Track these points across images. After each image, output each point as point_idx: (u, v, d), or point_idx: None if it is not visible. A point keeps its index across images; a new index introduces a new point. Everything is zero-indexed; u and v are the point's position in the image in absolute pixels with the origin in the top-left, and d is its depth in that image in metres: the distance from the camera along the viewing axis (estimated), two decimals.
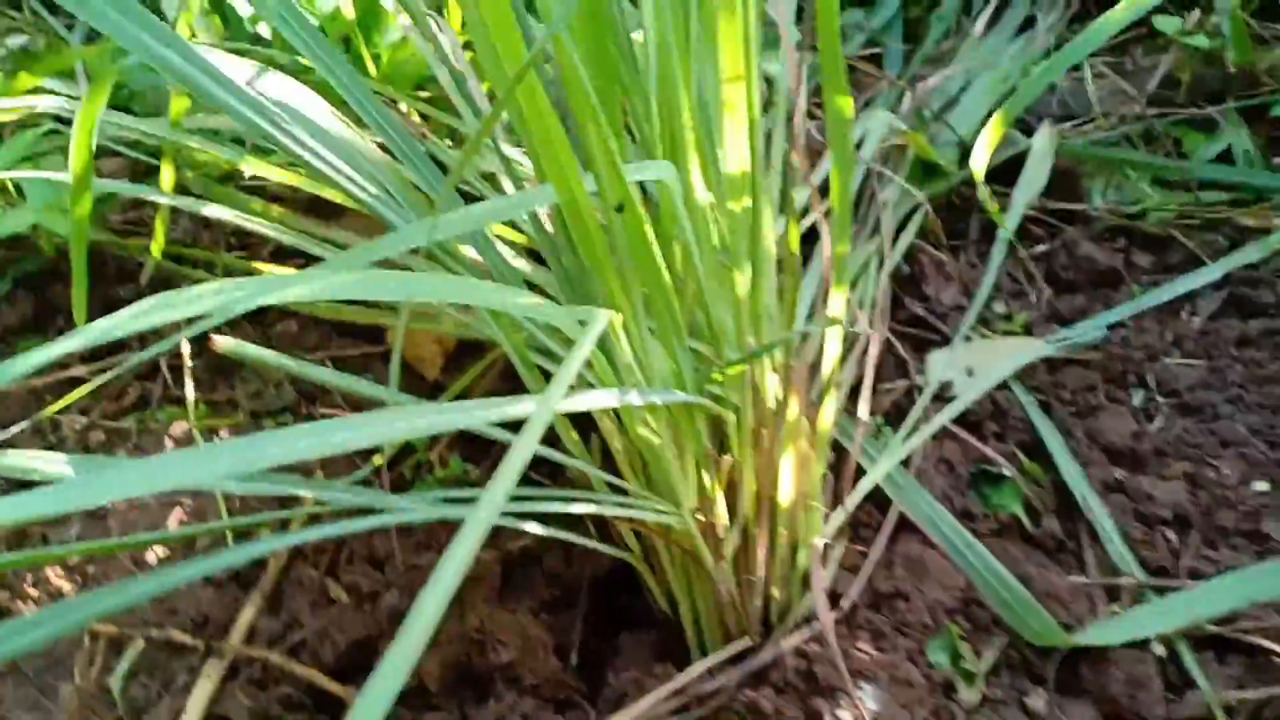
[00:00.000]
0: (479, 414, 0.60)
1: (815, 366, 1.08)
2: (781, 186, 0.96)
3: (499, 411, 0.59)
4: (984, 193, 1.23)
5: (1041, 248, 1.38)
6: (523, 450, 0.49)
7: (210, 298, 0.55)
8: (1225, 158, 1.44)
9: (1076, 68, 1.50)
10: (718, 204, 0.72)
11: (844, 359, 1.13)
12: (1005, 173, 1.41)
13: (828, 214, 0.81)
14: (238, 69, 0.77)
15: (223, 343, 0.65)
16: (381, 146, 0.82)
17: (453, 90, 0.99)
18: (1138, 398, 1.22)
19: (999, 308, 1.33)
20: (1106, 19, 1.27)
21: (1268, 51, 1.41)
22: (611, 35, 0.66)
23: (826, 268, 0.83)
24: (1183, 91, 1.45)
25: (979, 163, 1.29)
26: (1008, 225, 1.26)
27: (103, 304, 1.33)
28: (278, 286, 0.56)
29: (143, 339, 1.27)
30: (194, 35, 1.14)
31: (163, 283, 1.32)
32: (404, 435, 0.58)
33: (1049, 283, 1.35)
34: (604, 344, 0.75)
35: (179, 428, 1.21)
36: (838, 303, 0.84)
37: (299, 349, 1.28)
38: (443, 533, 1.07)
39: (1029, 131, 1.47)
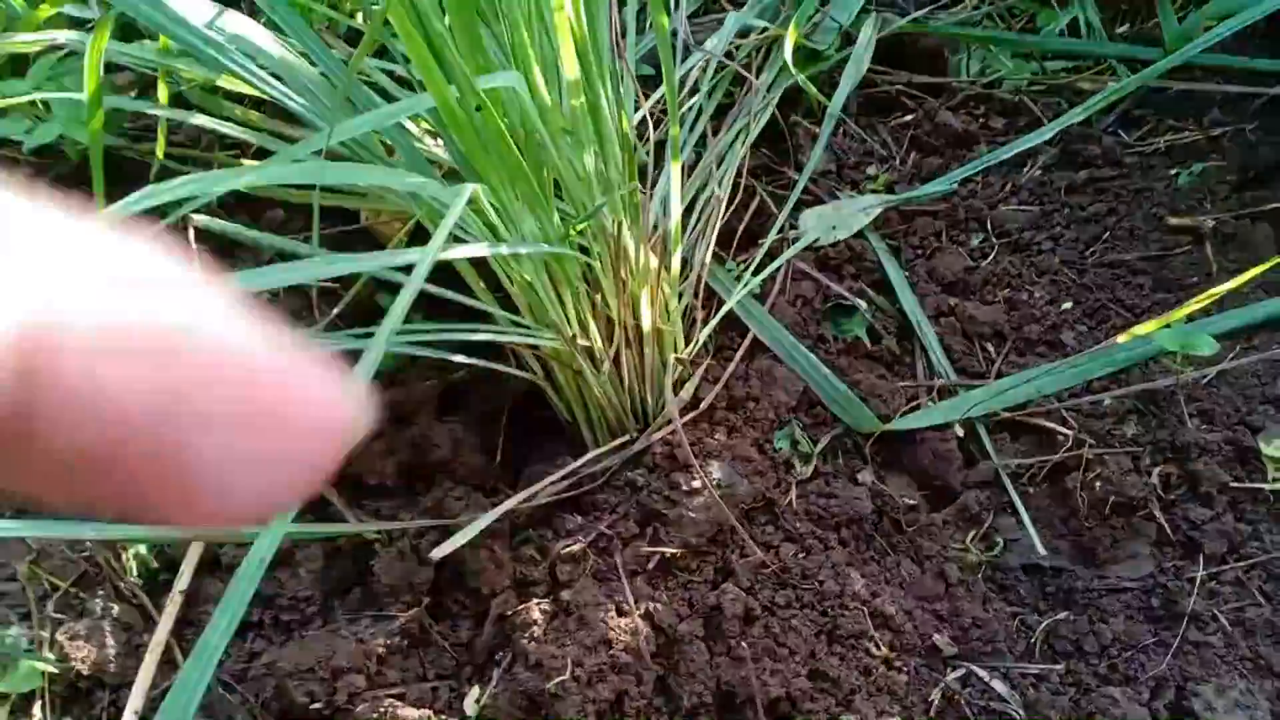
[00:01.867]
0: (381, 260, 0.87)
1: (691, 224, 1.34)
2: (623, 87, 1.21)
3: (392, 259, 0.86)
4: (807, 85, 1.46)
5: (908, 117, 1.62)
6: (412, 289, 0.76)
7: (186, 186, 0.82)
8: (1075, 30, 1.65)
9: None
10: (555, 103, 0.97)
11: (721, 213, 1.38)
12: (883, 52, 1.64)
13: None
14: (201, 9, 1.02)
15: (200, 220, 0.91)
16: (324, 73, 1.07)
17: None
18: (975, 239, 1.47)
19: (870, 170, 1.56)
20: None
21: None
22: None
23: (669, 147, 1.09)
24: None
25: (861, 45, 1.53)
26: (835, 103, 1.49)
27: (120, 197, 1.60)
28: (231, 178, 0.82)
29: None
30: None
31: (168, 176, 1.59)
32: (325, 275, 0.85)
33: (913, 148, 1.59)
34: (490, 206, 1.02)
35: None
36: (676, 171, 1.10)
37: (286, 231, 1.55)
38: (401, 374, 1.34)
39: (905, 13, 1.69)
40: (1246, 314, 1.25)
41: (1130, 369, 1.25)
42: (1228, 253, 1.36)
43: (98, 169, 1.10)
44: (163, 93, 1.25)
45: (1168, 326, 1.10)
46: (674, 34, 1.45)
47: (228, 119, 1.22)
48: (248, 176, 0.81)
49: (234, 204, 1.47)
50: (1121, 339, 1.15)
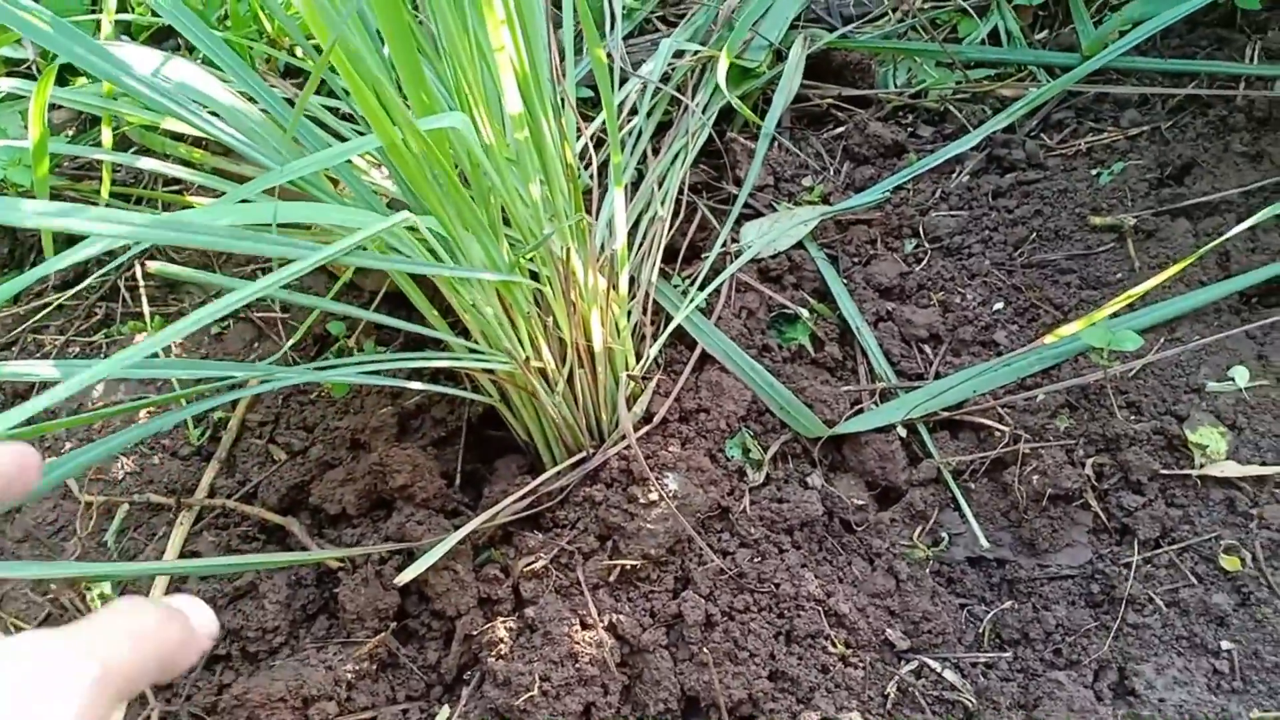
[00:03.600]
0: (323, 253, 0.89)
1: (635, 244, 1.38)
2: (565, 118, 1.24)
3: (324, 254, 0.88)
4: (742, 107, 1.51)
5: (839, 130, 1.67)
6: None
7: (142, 231, 0.83)
8: (994, 39, 1.71)
9: None
10: (500, 136, 1.00)
11: (665, 232, 1.42)
12: (812, 68, 1.69)
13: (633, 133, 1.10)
14: (148, 58, 1.04)
15: (153, 266, 0.92)
16: (263, 110, 1.09)
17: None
18: (909, 245, 1.52)
19: (806, 182, 1.61)
20: None
21: None
22: (406, 26, 0.93)
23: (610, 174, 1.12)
24: None
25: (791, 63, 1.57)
26: (769, 121, 1.54)
27: (66, 239, 1.60)
28: (183, 225, 0.84)
29: (102, 267, 1.55)
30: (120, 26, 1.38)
31: None
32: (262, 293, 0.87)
33: (846, 158, 1.64)
34: (440, 240, 1.05)
35: (140, 338, 1.49)
36: (619, 195, 1.13)
37: (232, 266, 1.56)
38: (357, 400, 1.36)
39: (832, 29, 1.74)
40: (1168, 307, 1.31)
41: (1061, 365, 1.30)
42: (1149, 249, 1.42)
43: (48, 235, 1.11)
44: (107, 136, 1.26)
45: (1093, 325, 1.15)
46: (609, 58, 1.49)
47: (171, 157, 1.24)
48: (202, 220, 0.82)
49: None
50: (1049, 339, 1.20)
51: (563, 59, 1.30)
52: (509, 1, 0.95)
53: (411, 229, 1.06)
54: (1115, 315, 1.28)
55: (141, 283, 1.49)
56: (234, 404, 1.38)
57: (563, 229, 1.06)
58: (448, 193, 0.98)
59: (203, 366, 1.11)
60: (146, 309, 1.48)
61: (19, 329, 1.51)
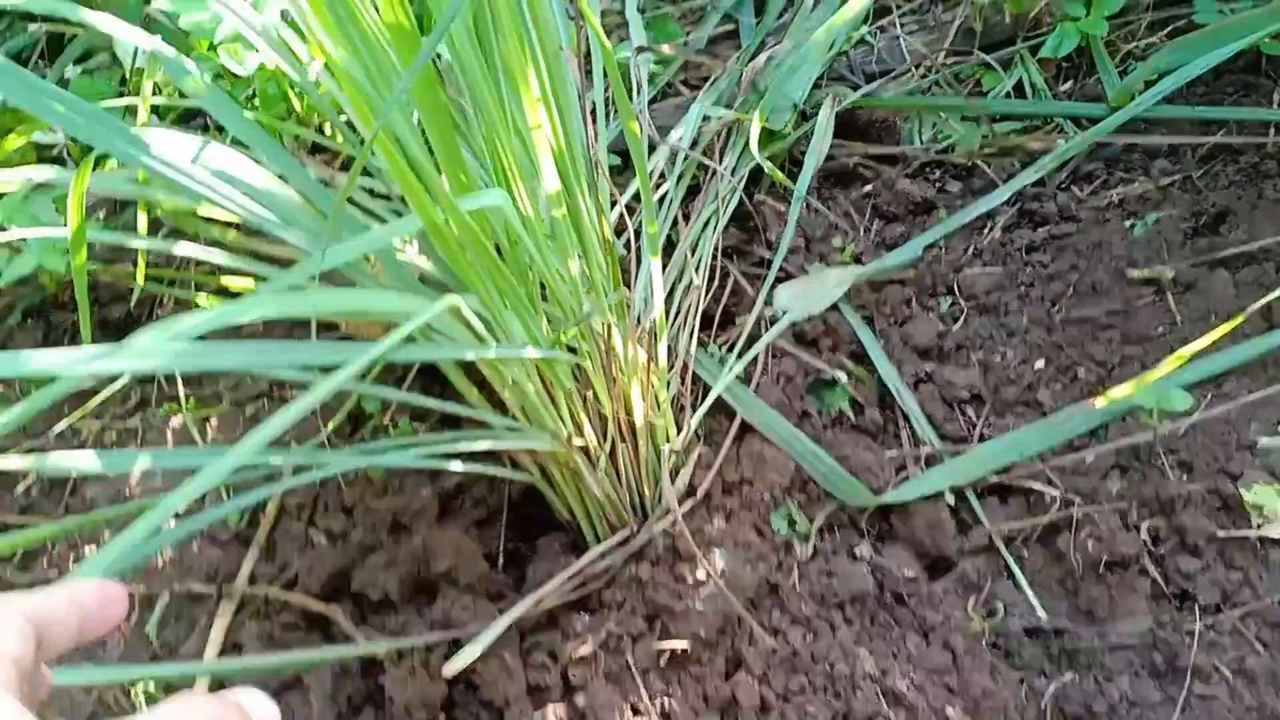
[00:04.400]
0: (342, 353, 0.88)
1: (671, 313, 1.37)
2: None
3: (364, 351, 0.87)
4: (773, 171, 1.50)
5: (868, 188, 1.66)
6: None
7: (189, 323, 0.83)
8: (1019, 92, 1.71)
9: (890, 25, 1.76)
10: (538, 214, 0.99)
11: (700, 300, 1.41)
12: (838, 126, 1.69)
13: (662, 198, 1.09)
14: (184, 145, 1.03)
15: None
16: (301, 193, 1.08)
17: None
18: (945, 304, 1.51)
19: (836, 242, 1.60)
20: None
21: None
22: (444, 107, 0.92)
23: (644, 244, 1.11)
24: (978, 38, 1.72)
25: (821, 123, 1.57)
26: (800, 185, 1.53)
27: (100, 323, 1.61)
28: (234, 314, 0.83)
29: None
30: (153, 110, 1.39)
31: (148, 299, 1.60)
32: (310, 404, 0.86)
33: (875, 217, 1.63)
34: (480, 318, 1.04)
35: (176, 420, 1.49)
36: (656, 266, 1.12)
37: (267, 338, 1.55)
38: (395, 480, 1.35)
39: (856, 87, 1.74)
40: (1213, 362, 1.29)
41: (1108, 425, 1.28)
42: (1189, 301, 1.40)
43: (84, 306, 1.11)
44: (142, 223, 1.26)
45: (1143, 386, 1.13)
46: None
47: (204, 239, 1.24)
48: (252, 311, 0.81)
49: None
50: (1100, 403, 1.18)
51: (595, 127, 1.29)
52: (544, 79, 0.94)
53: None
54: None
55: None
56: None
57: (602, 305, 1.05)
58: (488, 270, 0.97)
59: (241, 455, 1.10)
60: (182, 391, 1.47)
61: (55, 416, 1.50)
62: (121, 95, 1.79)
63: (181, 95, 1.50)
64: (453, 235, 0.95)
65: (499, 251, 1.00)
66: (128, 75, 1.73)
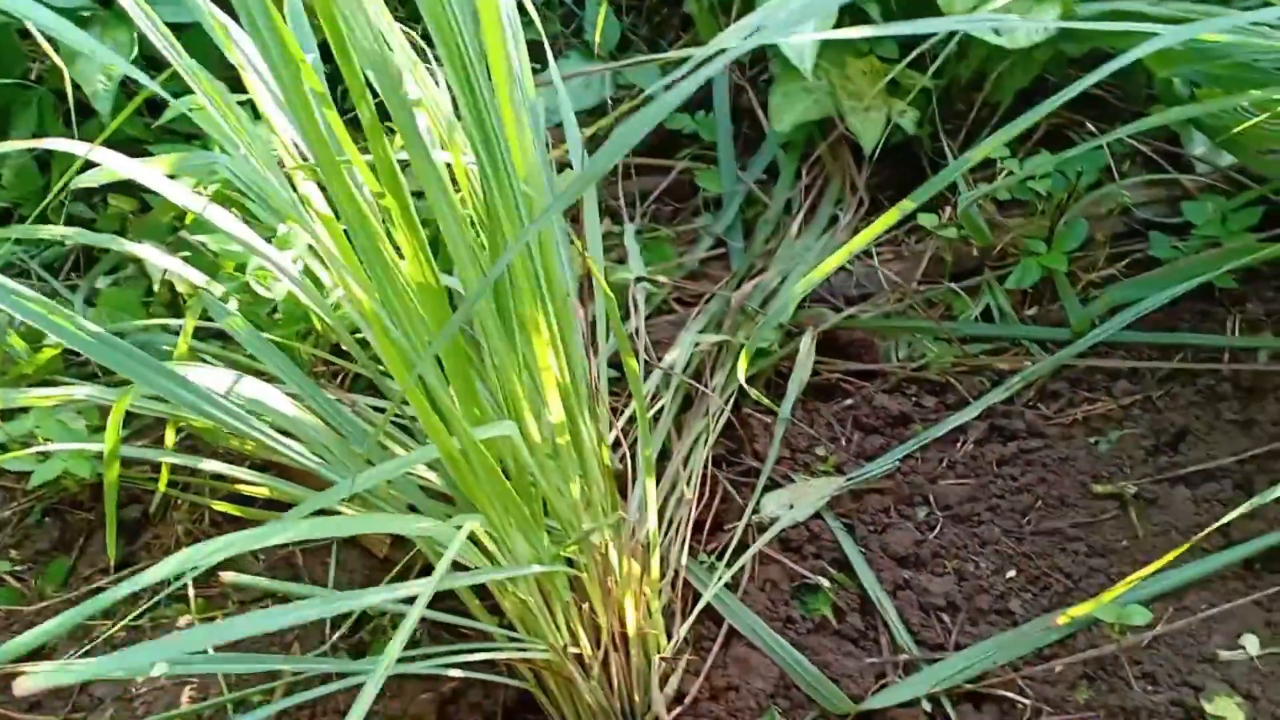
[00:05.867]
0: (381, 596, 0.96)
1: (665, 521, 1.45)
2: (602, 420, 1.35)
3: (394, 592, 0.95)
4: (759, 396, 1.62)
5: (849, 401, 1.77)
6: (411, 620, 0.85)
7: (219, 549, 0.91)
8: (988, 316, 1.84)
9: (868, 255, 1.91)
10: (544, 442, 1.09)
11: (691, 512, 1.50)
12: (820, 345, 1.81)
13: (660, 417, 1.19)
14: (219, 378, 1.14)
15: (227, 577, 0.99)
16: (325, 420, 1.19)
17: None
18: (921, 513, 1.59)
19: (820, 451, 1.70)
20: (883, 219, 1.69)
21: (1005, 234, 1.83)
22: (466, 353, 1.04)
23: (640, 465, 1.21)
24: (948, 267, 1.86)
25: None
26: (784, 408, 1.65)
27: (117, 525, 1.68)
28: (259, 539, 0.92)
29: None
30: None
31: (164, 503, 1.68)
32: (319, 616, 0.94)
33: (856, 429, 1.73)
34: (486, 534, 1.12)
35: (184, 619, 1.55)
36: (651, 488, 1.22)
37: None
38: (394, 683, 1.40)
39: (837, 309, 1.87)
40: (1174, 576, 1.37)
41: (1076, 634, 1.35)
42: (1151, 516, 1.49)
43: (111, 521, 1.20)
44: (169, 437, 1.36)
45: (1103, 604, 1.21)
46: (633, 338, 1.61)
47: (224, 447, 1.33)
48: (284, 534, 0.90)
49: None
50: (1062, 620, 1.25)
51: (596, 356, 1.41)
52: (553, 326, 1.06)
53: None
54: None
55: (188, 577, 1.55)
56: (273, 689, 1.42)
57: (600, 523, 1.13)
58: (497, 493, 1.07)
59: (246, 660, 1.17)
60: (191, 590, 1.54)
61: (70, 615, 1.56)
62: (148, 303, 1.92)
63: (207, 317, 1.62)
64: (466, 464, 1.05)
65: (505, 473, 1.10)
66: (154, 286, 1.87)
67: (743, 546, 1.51)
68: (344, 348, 1.61)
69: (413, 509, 1.18)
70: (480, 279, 1.01)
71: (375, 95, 0.87)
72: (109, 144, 1.12)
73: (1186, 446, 1.58)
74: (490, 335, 1.04)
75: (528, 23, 1.15)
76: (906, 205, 1.13)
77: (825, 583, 1.47)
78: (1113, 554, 1.46)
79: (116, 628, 1.47)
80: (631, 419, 1.54)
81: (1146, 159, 1.95)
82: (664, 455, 1.60)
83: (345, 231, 0.99)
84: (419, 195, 0.95)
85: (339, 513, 1.18)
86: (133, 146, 1.96)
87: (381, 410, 1.41)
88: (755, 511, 1.58)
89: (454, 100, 0.95)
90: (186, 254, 1.62)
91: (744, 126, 2.30)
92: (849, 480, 1.60)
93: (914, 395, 1.78)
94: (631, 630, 1.22)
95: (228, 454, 1.47)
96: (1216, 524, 1.36)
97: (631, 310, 1.66)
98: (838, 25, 1.83)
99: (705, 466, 1.55)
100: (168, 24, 1.03)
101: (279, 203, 1.07)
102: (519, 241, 0.81)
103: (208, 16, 1.02)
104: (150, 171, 1.08)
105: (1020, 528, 1.54)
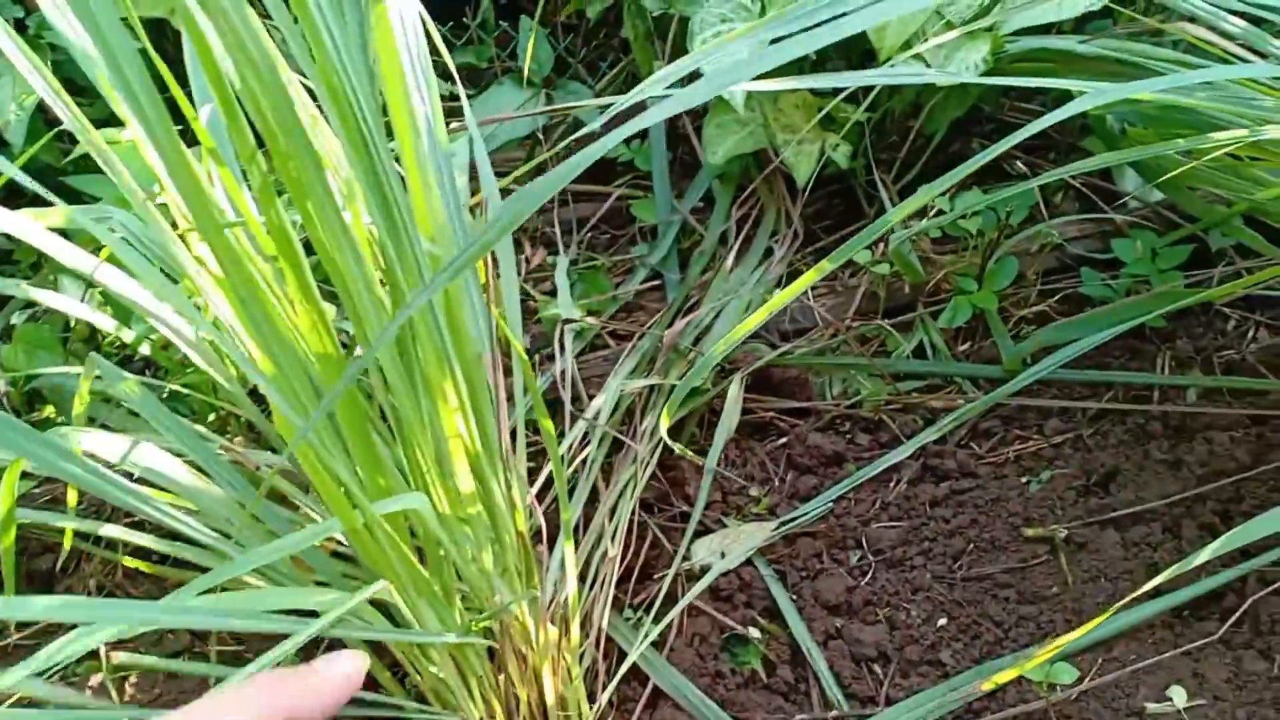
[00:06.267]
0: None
1: (589, 576, 1.42)
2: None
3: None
4: (684, 450, 1.59)
5: (782, 440, 1.75)
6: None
7: (121, 613, 0.86)
8: (921, 353, 1.83)
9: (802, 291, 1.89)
10: (456, 510, 1.06)
11: (616, 569, 1.46)
12: (753, 382, 1.79)
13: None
14: (115, 445, 1.09)
15: (118, 658, 0.95)
16: (227, 489, 1.14)
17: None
18: (854, 558, 1.57)
19: (753, 492, 1.68)
20: (820, 265, 1.68)
21: (938, 270, 1.82)
22: (367, 418, 1.00)
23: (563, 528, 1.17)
24: (882, 303, 1.85)
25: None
26: (710, 458, 1.63)
27: (27, 575, 1.63)
28: (166, 615, 0.87)
29: None
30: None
31: (75, 554, 1.62)
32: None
33: (789, 468, 1.71)
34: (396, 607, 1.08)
35: (95, 679, 1.49)
36: (569, 553, 1.18)
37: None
38: None
39: (773, 345, 1.85)
40: (1104, 628, 1.36)
41: (1006, 688, 1.33)
42: (1081, 561, 1.48)
43: (9, 580, 1.14)
44: (72, 498, 1.30)
45: (1029, 663, 1.20)
46: (562, 375, 1.58)
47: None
48: (176, 619, 0.86)
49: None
50: (986, 686, 1.24)
51: (511, 404, 1.37)
52: (461, 390, 1.02)
53: None
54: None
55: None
56: None
57: (516, 597, 1.10)
58: (404, 566, 1.03)
59: None
60: (103, 647, 1.48)
61: None
62: (65, 338, 1.86)
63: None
64: (370, 537, 1.01)
65: (415, 538, 1.06)
66: (71, 323, 1.81)
67: (671, 598, 1.49)
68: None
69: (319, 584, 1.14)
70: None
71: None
72: (25, 171, 1.05)
73: (1116, 487, 1.58)
74: (399, 400, 1.01)
75: (463, 45, 1.13)
76: (846, 251, 1.11)
77: (755, 634, 1.44)
78: (1043, 601, 1.45)
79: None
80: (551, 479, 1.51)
81: (1078, 193, 1.95)
82: (593, 498, 1.57)
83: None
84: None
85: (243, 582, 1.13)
86: (49, 177, 1.89)
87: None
88: (686, 559, 1.55)
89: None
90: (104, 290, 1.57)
91: (681, 151, 2.28)
92: (781, 525, 1.58)
93: (848, 433, 1.77)
94: (550, 700, 1.19)
95: (131, 515, 1.42)
96: (1152, 582, 1.35)
97: (557, 354, 1.63)
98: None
99: (634, 513, 1.52)
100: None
101: (175, 264, 1.03)
102: (406, 309, 0.77)
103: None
104: (32, 226, 1.03)
105: (952, 573, 1.53)
